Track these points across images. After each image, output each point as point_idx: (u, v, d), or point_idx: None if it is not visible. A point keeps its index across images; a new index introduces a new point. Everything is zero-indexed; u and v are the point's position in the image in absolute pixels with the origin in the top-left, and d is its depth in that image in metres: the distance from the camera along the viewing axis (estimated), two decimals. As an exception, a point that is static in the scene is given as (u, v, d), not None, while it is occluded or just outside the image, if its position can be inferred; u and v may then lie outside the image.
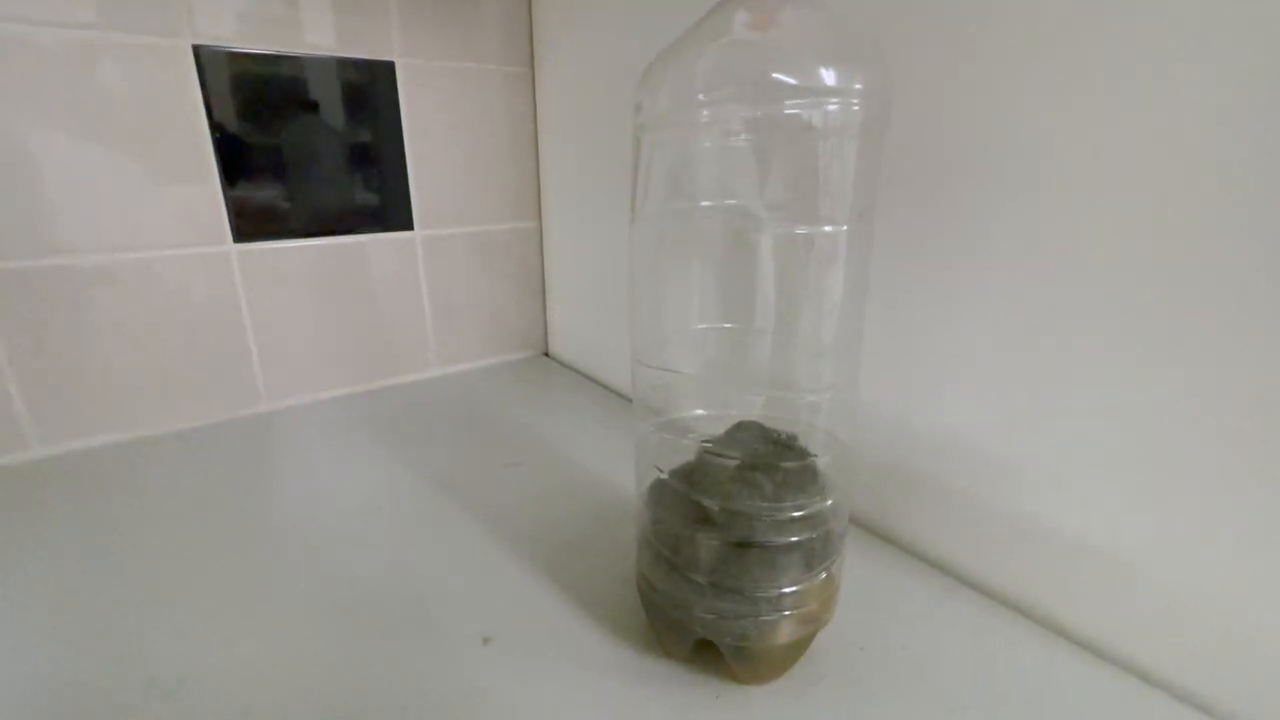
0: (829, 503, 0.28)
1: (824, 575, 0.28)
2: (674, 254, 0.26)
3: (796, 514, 0.27)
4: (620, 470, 0.48)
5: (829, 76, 0.20)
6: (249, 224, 0.54)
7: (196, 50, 0.48)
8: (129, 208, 0.49)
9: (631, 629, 0.32)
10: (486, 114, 0.64)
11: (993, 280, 0.32)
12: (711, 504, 0.27)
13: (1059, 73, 0.28)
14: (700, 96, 0.22)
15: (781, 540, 0.27)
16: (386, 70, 0.57)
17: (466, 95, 0.62)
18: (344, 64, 0.55)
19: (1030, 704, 0.28)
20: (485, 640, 0.32)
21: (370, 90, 0.57)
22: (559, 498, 0.45)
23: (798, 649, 0.29)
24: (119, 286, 0.50)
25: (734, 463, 0.28)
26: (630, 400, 0.32)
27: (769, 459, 0.28)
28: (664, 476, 0.30)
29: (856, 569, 0.37)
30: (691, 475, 0.29)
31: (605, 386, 0.66)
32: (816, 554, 0.28)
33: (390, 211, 0.61)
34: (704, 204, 0.24)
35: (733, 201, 0.24)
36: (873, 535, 0.41)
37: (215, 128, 0.50)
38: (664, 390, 0.29)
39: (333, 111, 0.56)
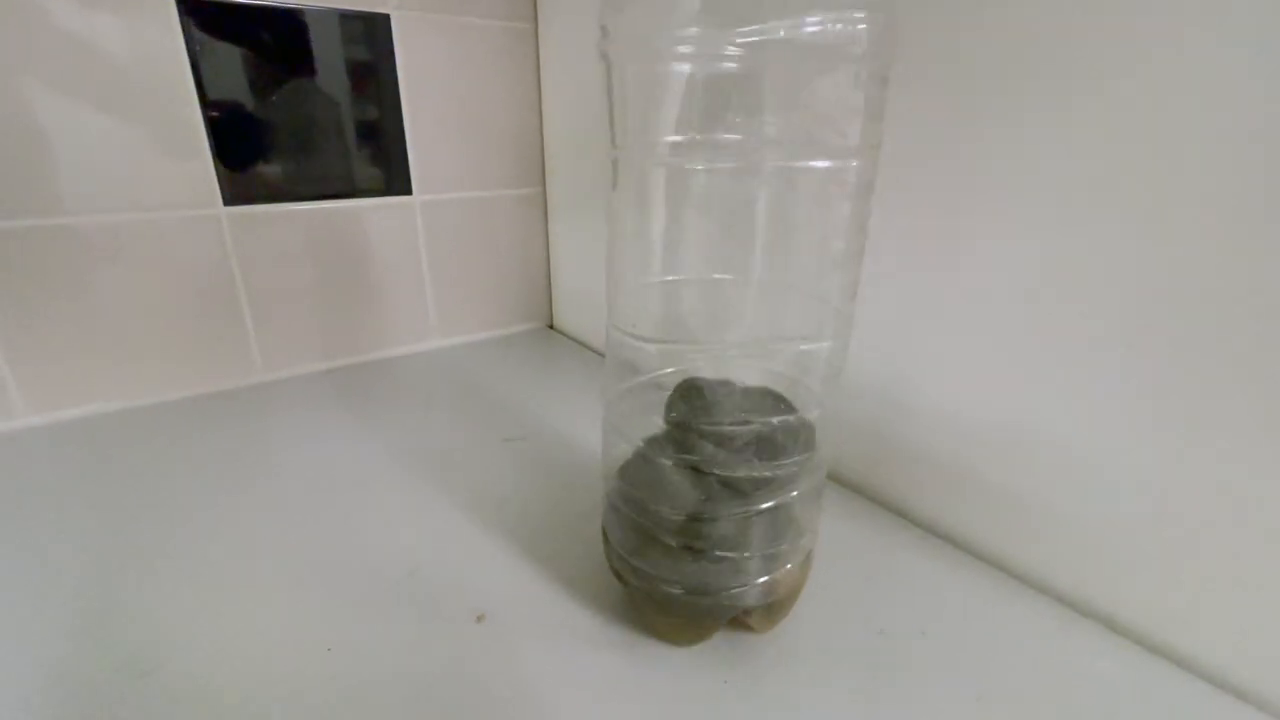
0: (807, 457, 0.25)
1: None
2: (651, 201, 0.23)
3: (769, 474, 0.25)
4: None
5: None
6: (239, 186, 0.52)
7: (179, -2, 0.46)
8: (110, 165, 0.47)
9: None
10: (488, 72, 0.61)
11: (1006, 223, 0.29)
12: (684, 465, 0.25)
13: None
14: (676, 15, 0.19)
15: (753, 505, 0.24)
16: (382, 23, 0.54)
17: (467, 51, 0.59)
18: (335, 15, 0.52)
19: (1061, 692, 0.26)
20: (478, 618, 0.30)
21: (365, 44, 0.54)
22: (560, 474, 0.43)
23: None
24: (102, 248, 0.48)
25: (710, 426, 0.25)
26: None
27: (743, 416, 0.25)
28: (640, 446, 0.27)
29: (874, 549, 0.35)
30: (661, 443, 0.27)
31: (611, 359, 0.63)
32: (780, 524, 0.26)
33: (388, 175, 0.58)
34: (676, 139, 0.22)
35: (719, 135, 0.21)
36: (890, 513, 0.38)
37: (201, 82, 0.48)
38: (635, 350, 0.27)
39: (325, 66, 0.53)
